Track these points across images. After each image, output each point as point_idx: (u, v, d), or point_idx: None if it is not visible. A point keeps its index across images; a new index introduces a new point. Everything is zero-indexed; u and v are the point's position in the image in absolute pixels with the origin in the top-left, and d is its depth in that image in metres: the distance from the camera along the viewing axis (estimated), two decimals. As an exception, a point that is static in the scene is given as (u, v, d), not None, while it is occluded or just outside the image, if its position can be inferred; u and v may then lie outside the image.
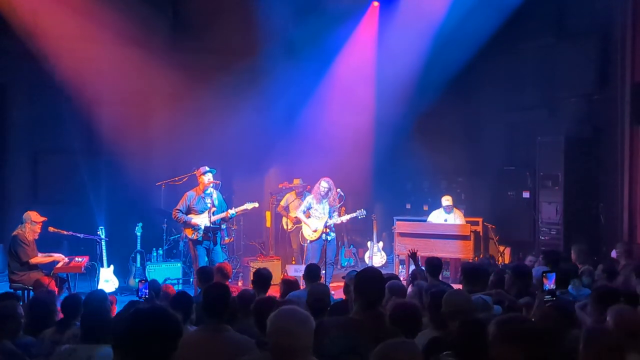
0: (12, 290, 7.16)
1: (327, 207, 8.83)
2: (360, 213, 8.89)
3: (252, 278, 5.93)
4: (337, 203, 8.88)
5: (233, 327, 3.93)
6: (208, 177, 8.17)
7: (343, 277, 6.07)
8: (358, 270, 5.75)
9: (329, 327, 3.56)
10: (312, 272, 6.02)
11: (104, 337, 3.68)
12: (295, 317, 2.92)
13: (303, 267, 9.17)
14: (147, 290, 4.82)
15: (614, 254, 7.48)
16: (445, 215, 9.94)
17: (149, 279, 5.50)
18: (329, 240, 8.69)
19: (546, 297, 4.20)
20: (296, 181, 10.50)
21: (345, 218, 8.98)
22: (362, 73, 11.10)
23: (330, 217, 8.78)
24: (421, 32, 10.07)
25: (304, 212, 8.94)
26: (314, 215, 8.86)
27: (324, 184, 8.81)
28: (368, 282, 3.87)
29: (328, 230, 8.66)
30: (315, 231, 8.81)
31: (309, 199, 8.99)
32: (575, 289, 5.73)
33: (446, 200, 9.94)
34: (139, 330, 2.38)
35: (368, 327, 3.58)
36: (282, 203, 10.50)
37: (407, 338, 3.28)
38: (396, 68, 10.55)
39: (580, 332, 3.31)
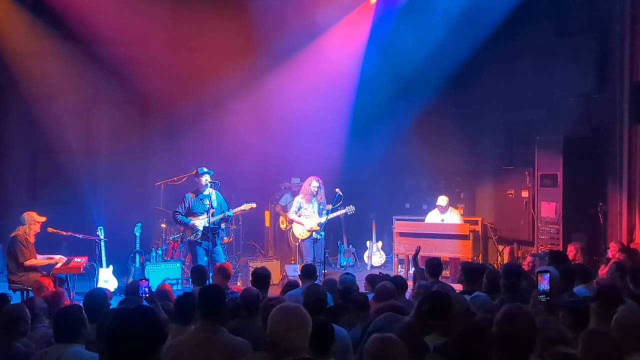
0: (11, 292, 7.17)
1: (316, 205, 8.83)
2: (349, 209, 8.84)
3: (250, 279, 5.93)
4: (324, 200, 8.87)
5: (232, 326, 3.95)
6: (205, 178, 8.18)
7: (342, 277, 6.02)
8: (348, 272, 5.78)
9: None
10: (309, 272, 6.07)
11: (77, 336, 3.69)
12: (295, 317, 2.98)
13: (298, 266, 9.24)
14: (148, 289, 4.81)
15: (609, 253, 7.49)
16: (441, 215, 9.93)
17: (148, 278, 5.49)
18: (318, 239, 8.70)
19: (539, 297, 4.09)
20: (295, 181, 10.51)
21: (335, 215, 8.91)
22: (359, 72, 11.08)
23: (320, 215, 8.78)
24: (419, 31, 10.04)
25: (295, 213, 8.96)
26: (304, 215, 8.88)
27: (314, 184, 8.79)
28: None
29: (319, 228, 8.67)
30: (308, 230, 8.83)
31: (298, 199, 8.98)
32: (590, 289, 5.36)
33: (441, 200, 9.89)
34: (119, 331, 2.32)
35: None
36: (282, 203, 10.52)
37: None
38: (394, 67, 10.53)
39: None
